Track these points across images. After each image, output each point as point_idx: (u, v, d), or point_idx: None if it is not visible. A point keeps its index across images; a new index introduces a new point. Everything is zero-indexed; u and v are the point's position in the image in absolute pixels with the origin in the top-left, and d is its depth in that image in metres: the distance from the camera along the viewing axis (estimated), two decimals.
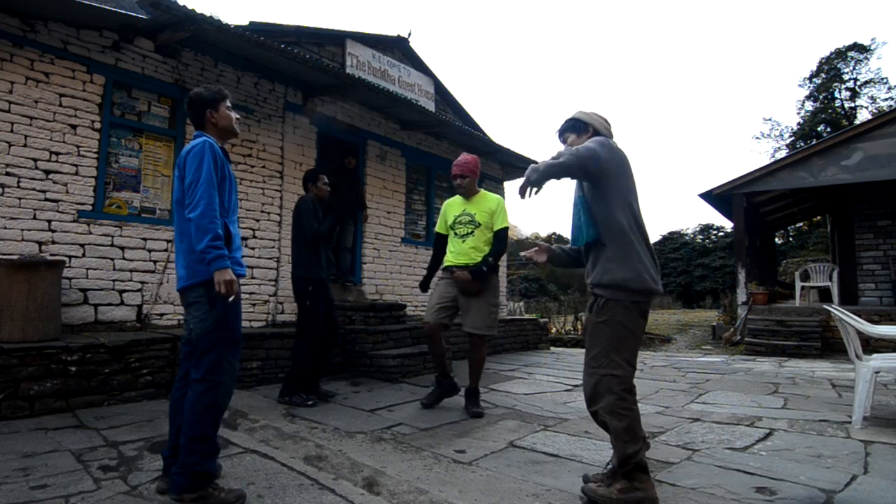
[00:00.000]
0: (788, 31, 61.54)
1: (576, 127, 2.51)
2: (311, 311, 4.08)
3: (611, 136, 2.49)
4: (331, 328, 4.23)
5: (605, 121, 2.52)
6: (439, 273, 4.07)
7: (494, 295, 3.81)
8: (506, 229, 3.85)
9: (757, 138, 40.77)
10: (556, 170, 2.23)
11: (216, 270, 2.16)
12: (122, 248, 4.72)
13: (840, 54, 27.71)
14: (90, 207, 4.57)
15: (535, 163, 2.29)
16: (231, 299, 2.20)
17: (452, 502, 2.22)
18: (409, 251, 7.81)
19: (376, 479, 2.47)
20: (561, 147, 2.57)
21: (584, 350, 2.40)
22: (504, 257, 9.98)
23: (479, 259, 3.73)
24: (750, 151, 58.46)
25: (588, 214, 2.35)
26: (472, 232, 3.80)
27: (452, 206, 3.98)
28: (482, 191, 3.96)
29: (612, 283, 2.24)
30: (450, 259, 3.88)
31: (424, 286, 4.16)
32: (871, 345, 6.44)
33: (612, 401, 2.20)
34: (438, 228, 4.08)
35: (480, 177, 4.11)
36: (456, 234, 3.87)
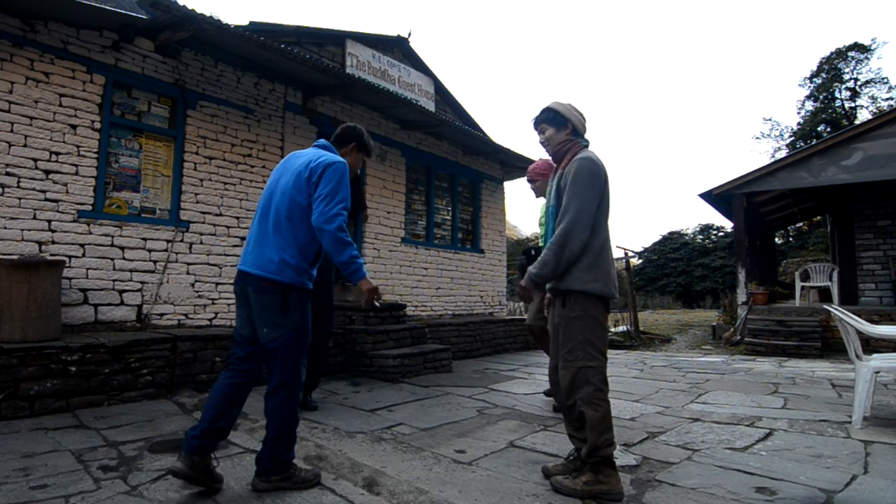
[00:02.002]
0: (788, 31, 61.53)
1: (555, 120, 2.50)
2: None
3: (585, 132, 2.53)
4: (317, 338, 4.12)
5: (582, 116, 2.53)
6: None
7: None
8: None
9: (757, 138, 40.78)
10: (563, 259, 2.30)
11: (359, 280, 2.38)
12: (122, 248, 4.72)
13: (840, 54, 27.72)
14: (90, 207, 4.57)
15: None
16: (377, 302, 2.47)
17: (452, 502, 2.22)
18: (409, 251, 7.81)
19: (376, 479, 2.47)
20: (538, 135, 2.58)
21: None
22: (504, 257, 10.00)
23: None
24: (750, 151, 58.45)
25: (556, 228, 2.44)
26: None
27: (541, 208, 4.10)
28: None
29: (583, 291, 2.33)
30: None
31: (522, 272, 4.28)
32: (871, 345, 6.44)
33: (590, 391, 2.28)
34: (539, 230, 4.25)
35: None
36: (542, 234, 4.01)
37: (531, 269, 2.38)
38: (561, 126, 2.48)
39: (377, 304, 2.45)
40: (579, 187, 2.30)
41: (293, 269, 2.34)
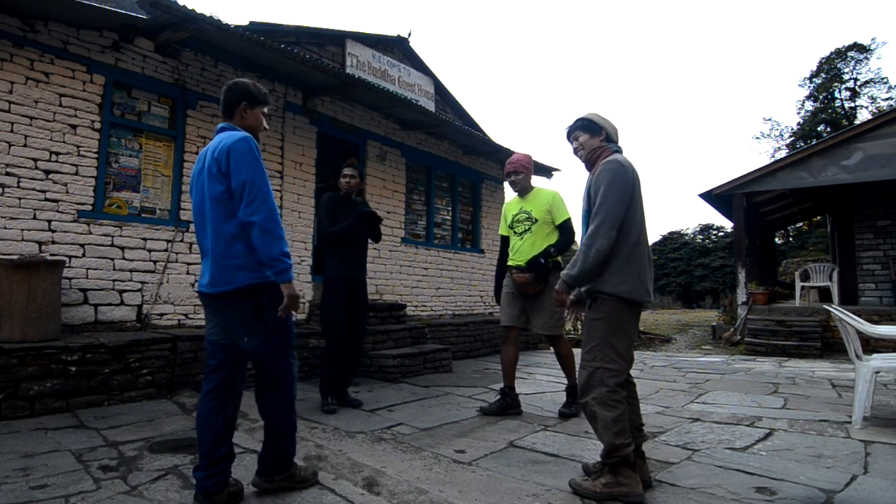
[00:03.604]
0: (788, 31, 61.54)
1: (589, 128, 2.54)
2: (324, 312, 4.02)
3: (618, 141, 2.58)
4: (353, 333, 4.11)
5: (615, 126, 2.58)
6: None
7: None
8: (569, 220, 3.76)
9: (757, 138, 40.77)
10: (588, 258, 2.31)
11: (284, 283, 2.12)
12: (122, 248, 4.71)
13: (840, 54, 27.71)
14: (90, 207, 4.57)
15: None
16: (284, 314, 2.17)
17: (452, 502, 2.22)
18: (409, 251, 7.81)
19: (376, 479, 2.47)
20: (571, 144, 2.62)
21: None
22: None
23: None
24: (750, 151, 58.42)
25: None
26: (529, 229, 3.75)
27: (511, 207, 3.99)
28: (537, 187, 3.93)
29: (610, 293, 2.35)
30: (510, 259, 3.88)
31: (497, 294, 4.08)
32: (871, 345, 6.44)
33: (603, 392, 2.29)
34: (501, 231, 4.10)
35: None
36: (515, 232, 3.86)
37: (563, 271, 2.41)
38: (595, 133, 2.53)
39: (294, 315, 2.22)
40: (605, 189, 2.34)
41: (247, 267, 2.14)
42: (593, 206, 2.40)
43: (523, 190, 3.89)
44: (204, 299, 2.30)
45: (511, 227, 3.90)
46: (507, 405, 3.81)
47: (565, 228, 3.74)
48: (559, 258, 3.72)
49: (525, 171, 3.84)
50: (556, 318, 3.67)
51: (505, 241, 4.04)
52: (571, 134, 2.60)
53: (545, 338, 3.82)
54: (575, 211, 3.67)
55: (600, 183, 2.36)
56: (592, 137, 2.53)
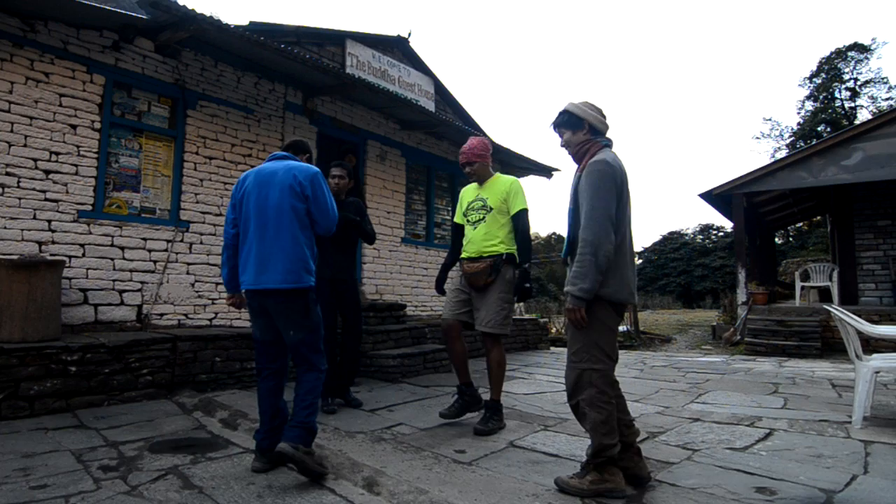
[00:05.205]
0: (788, 31, 61.61)
1: (570, 123, 2.46)
2: None
3: (606, 129, 2.49)
4: (347, 334, 4.06)
5: (600, 112, 2.48)
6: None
7: (507, 290, 3.35)
8: (524, 211, 3.42)
9: (757, 138, 40.85)
10: (599, 266, 2.25)
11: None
12: (122, 248, 4.71)
13: (840, 54, 27.72)
14: (90, 207, 4.57)
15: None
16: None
17: (452, 502, 2.22)
18: (409, 251, 7.81)
19: (376, 479, 2.47)
20: (558, 139, 2.56)
21: None
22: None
23: (493, 246, 3.37)
24: (750, 151, 58.52)
25: (574, 231, 2.42)
26: (483, 218, 3.44)
27: (467, 193, 3.67)
28: (497, 174, 3.61)
29: (596, 295, 2.31)
30: (463, 251, 3.55)
31: (439, 285, 3.80)
32: (871, 345, 6.44)
33: (592, 393, 2.29)
34: (456, 218, 3.75)
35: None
36: (468, 221, 3.55)
37: (569, 287, 2.30)
38: (577, 127, 2.45)
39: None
40: (593, 191, 2.29)
41: (310, 271, 2.64)
42: (581, 206, 2.34)
43: (481, 178, 3.59)
44: (257, 297, 2.63)
45: (465, 215, 3.59)
46: (467, 404, 3.51)
47: (518, 219, 3.42)
48: (513, 250, 3.43)
49: (480, 160, 3.51)
50: (502, 316, 3.33)
51: (457, 229, 3.72)
52: (556, 129, 2.53)
53: (480, 341, 3.51)
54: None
55: (588, 184, 2.30)
56: (575, 133, 2.44)
